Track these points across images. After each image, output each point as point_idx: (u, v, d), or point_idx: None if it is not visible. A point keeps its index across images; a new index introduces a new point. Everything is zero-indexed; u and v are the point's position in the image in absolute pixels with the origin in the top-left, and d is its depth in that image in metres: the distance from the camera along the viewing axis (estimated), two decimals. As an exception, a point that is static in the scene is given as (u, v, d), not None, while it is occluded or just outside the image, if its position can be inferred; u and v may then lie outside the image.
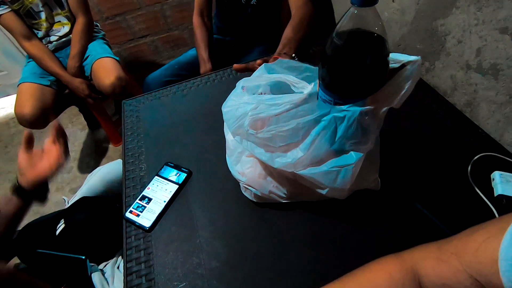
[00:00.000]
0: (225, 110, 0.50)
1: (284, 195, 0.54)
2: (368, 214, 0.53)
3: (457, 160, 0.57)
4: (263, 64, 0.56)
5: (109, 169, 0.93)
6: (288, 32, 0.86)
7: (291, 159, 0.46)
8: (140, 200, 0.60)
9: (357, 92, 0.42)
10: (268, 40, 1.17)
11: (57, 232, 0.77)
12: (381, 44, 0.39)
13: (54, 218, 0.81)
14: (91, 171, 0.97)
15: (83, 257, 0.71)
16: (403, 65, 0.42)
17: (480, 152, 0.57)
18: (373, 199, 0.54)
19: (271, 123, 0.46)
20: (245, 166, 0.55)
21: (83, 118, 1.73)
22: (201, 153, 0.68)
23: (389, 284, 0.37)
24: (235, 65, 0.74)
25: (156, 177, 0.64)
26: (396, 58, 0.43)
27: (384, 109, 0.42)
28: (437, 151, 0.60)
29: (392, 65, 0.43)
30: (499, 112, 0.59)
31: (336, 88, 0.42)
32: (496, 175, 0.53)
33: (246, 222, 0.55)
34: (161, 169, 0.65)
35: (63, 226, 0.77)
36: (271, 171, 0.53)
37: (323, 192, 0.47)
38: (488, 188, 0.53)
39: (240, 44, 1.20)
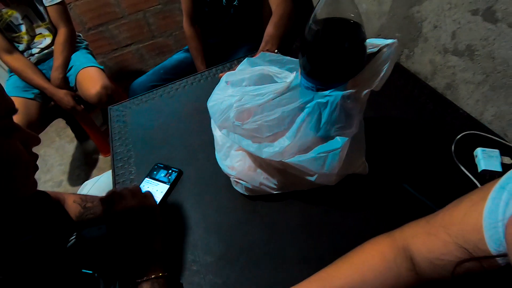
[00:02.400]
0: (210, 104, 0.51)
1: (275, 186, 0.54)
2: (359, 198, 0.54)
3: (441, 140, 0.58)
4: (246, 59, 0.56)
5: (106, 180, 0.91)
6: (269, 29, 0.87)
7: (278, 148, 0.46)
8: (131, 202, 0.60)
9: (338, 77, 0.42)
10: (252, 39, 1.18)
11: (68, 245, 0.73)
12: (357, 28, 0.40)
13: (66, 229, 0.77)
14: (82, 183, 0.96)
15: (91, 272, 0.68)
16: (381, 49, 0.43)
17: (462, 131, 0.58)
18: (362, 183, 0.54)
19: (256, 113, 0.46)
20: (235, 160, 0.55)
21: (70, 131, 1.71)
22: (190, 152, 0.68)
23: (382, 263, 0.38)
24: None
25: (146, 179, 0.64)
26: (374, 42, 0.44)
27: (365, 92, 0.43)
28: (421, 133, 0.61)
29: (370, 50, 0.44)
30: (477, 91, 0.61)
31: (317, 74, 0.43)
32: (479, 152, 0.54)
33: (239, 215, 0.55)
34: (151, 170, 0.65)
35: (74, 240, 0.73)
36: (260, 162, 0.54)
37: (312, 179, 0.48)
38: (472, 165, 0.54)
39: (225, 45, 1.21)
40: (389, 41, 0.42)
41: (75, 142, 1.75)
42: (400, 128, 0.63)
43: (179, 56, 1.29)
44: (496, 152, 0.53)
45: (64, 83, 1.28)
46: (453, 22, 0.60)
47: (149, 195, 0.55)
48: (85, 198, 0.64)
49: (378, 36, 0.83)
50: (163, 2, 1.72)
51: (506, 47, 0.52)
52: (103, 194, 0.83)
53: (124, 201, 0.51)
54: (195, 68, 1.21)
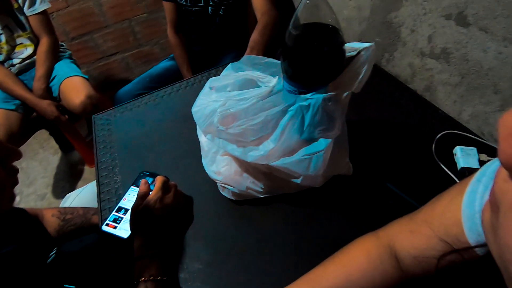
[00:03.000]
0: (194, 110, 0.51)
1: (261, 190, 0.55)
2: (344, 199, 0.55)
3: (421, 140, 0.60)
4: (230, 64, 0.57)
5: (90, 191, 0.89)
6: (254, 36, 0.88)
7: (263, 151, 0.47)
8: (116, 211, 0.59)
9: (319, 80, 0.43)
10: (237, 47, 1.19)
11: (49, 260, 0.71)
12: (335, 33, 0.41)
13: (45, 245, 0.74)
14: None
15: (73, 287, 0.66)
16: (359, 52, 0.45)
17: (442, 131, 0.60)
18: (347, 184, 0.55)
19: (240, 117, 0.46)
20: (221, 165, 0.55)
21: (54, 142, 1.67)
22: (176, 159, 0.67)
23: (367, 261, 0.38)
24: None
25: (132, 187, 0.63)
26: (352, 46, 0.46)
27: (346, 94, 0.44)
28: (403, 134, 0.63)
29: (349, 53, 0.45)
30: (454, 92, 0.63)
31: (298, 78, 0.44)
32: (458, 150, 0.56)
33: (226, 220, 0.55)
34: (136, 178, 0.64)
35: (54, 256, 0.71)
36: (246, 167, 0.54)
37: (298, 181, 0.48)
38: (451, 163, 0.56)
39: (210, 52, 1.22)
40: (366, 44, 0.44)
41: (59, 153, 1.71)
42: (382, 129, 0.65)
43: (165, 64, 1.29)
44: (473, 150, 0.55)
45: (47, 93, 1.25)
46: (429, 27, 0.63)
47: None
48: (64, 210, 0.62)
49: (359, 41, 0.85)
50: (149, 10, 1.72)
51: (478, 49, 0.55)
52: (87, 205, 0.81)
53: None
54: (182, 76, 1.21)
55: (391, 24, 0.72)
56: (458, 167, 0.54)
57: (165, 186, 0.55)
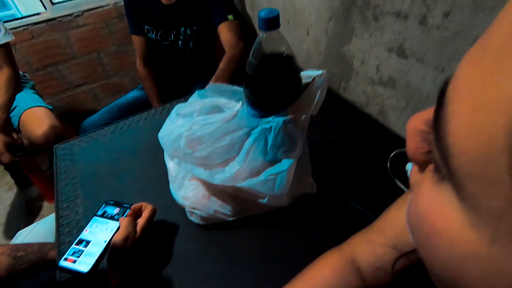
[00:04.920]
0: (161, 135, 0.52)
1: (229, 213, 0.55)
2: (310, 217, 0.57)
3: (377, 159, 0.65)
4: (196, 91, 0.60)
5: (46, 225, 0.83)
6: (221, 66, 0.93)
7: (229, 173, 0.48)
8: (76, 244, 0.55)
9: (278, 104, 0.47)
10: (206, 77, 1.23)
11: None
12: (290, 61, 0.45)
13: None
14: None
15: None
16: (314, 79, 0.49)
17: (395, 150, 0.66)
18: (312, 202, 0.57)
19: (206, 140, 0.48)
20: (188, 189, 0.55)
21: (10, 177, 1.55)
22: (143, 187, 0.66)
23: (332, 275, 0.40)
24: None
25: (94, 217, 0.60)
26: (308, 74, 0.50)
27: (304, 116, 0.48)
28: (361, 154, 0.68)
29: (306, 81, 0.50)
30: (403, 115, 0.70)
31: (260, 103, 0.47)
32: (409, 167, 0.61)
33: (195, 246, 0.54)
34: (100, 208, 0.62)
35: None
36: (214, 190, 0.54)
37: (264, 201, 0.50)
38: (405, 178, 0.61)
39: (179, 83, 1.25)
40: (319, 72, 0.49)
41: (14, 189, 1.58)
42: (342, 150, 0.69)
43: (134, 94, 1.29)
44: (423, 166, 0.61)
45: (7, 125, 1.19)
46: (376, 58, 0.71)
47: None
48: (16, 247, 0.57)
49: (318, 71, 0.93)
50: (118, 43, 1.74)
51: (417, 77, 0.62)
52: (42, 241, 0.75)
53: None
54: (151, 106, 1.21)
55: (344, 56, 0.80)
56: (411, 182, 0.59)
57: (152, 218, 0.53)
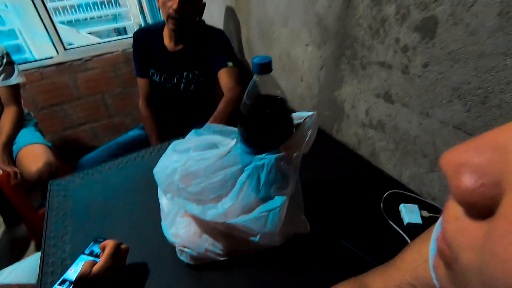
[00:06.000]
0: (156, 170, 0.53)
1: (220, 252, 0.54)
2: (303, 259, 0.55)
3: (371, 199, 0.65)
4: (193, 130, 0.62)
5: (30, 265, 0.79)
6: (219, 107, 0.97)
7: (222, 209, 0.48)
8: (59, 284, 0.53)
9: (271, 143, 0.49)
10: (205, 118, 1.28)
11: None
12: (282, 103, 0.48)
13: None
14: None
15: None
16: (305, 120, 0.52)
17: (387, 191, 0.67)
18: (305, 243, 0.56)
19: (200, 176, 0.49)
20: (180, 226, 0.55)
21: (-1, 214, 1.51)
22: (135, 224, 0.65)
23: None
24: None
25: (82, 255, 0.58)
26: (299, 115, 0.53)
27: (295, 154, 0.50)
28: (354, 194, 0.68)
29: (297, 121, 0.53)
30: (393, 157, 0.72)
31: (253, 141, 0.49)
32: (402, 208, 0.61)
33: (183, 287, 0.52)
34: (88, 246, 0.60)
35: None
36: (205, 227, 0.54)
37: (256, 239, 0.49)
38: (398, 219, 0.60)
39: (179, 123, 1.29)
40: (310, 113, 0.52)
41: (2, 227, 1.53)
42: (336, 190, 0.70)
43: (134, 132, 1.33)
44: (415, 207, 0.61)
45: (8, 159, 1.19)
46: (365, 103, 0.75)
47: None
48: None
49: (312, 114, 0.97)
50: (123, 85, 1.83)
51: (404, 121, 0.66)
52: (24, 281, 0.72)
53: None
54: (150, 145, 1.24)
55: (336, 101, 0.85)
56: (404, 223, 0.59)
57: (117, 251, 0.52)
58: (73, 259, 0.58)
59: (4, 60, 1.21)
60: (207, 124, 0.61)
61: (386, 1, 0.61)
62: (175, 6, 0.98)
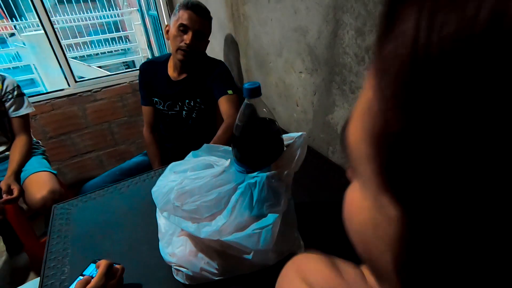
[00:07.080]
0: (154, 190, 0.55)
1: (215, 271, 0.54)
2: (298, 278, 0.55)
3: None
4: (191, 152, 0.65)
5: None
6: (218, 133, 1.01)
7: (216, 226, 0.50)
8: (56, 306, 0.53)
9: (262, 162, 0.52)
10: (206, 143, 1.32)
11: None
12: (271, 124, 0.52)
13: None
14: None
15: None
16: (294, 140, 0.55)
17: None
18: (300, 262, 0.57)
19: (195, 194, 0.51)
20: (176, 246, 0.56)
21: (1, 242, 1.51)
22: (133, 246, 0.66)
23: None
24: None
25: (79, 277, 0.59)
26: (289, 136, 0.56)
27: (286, 172, 0.52)
28: (349, 214, 0.69)
29: (288, 142, 0.56)
30: (387, 176, 0.74)
31: (246, 160, 0.52)
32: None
33: (178, 308, 0.52)
34: (86, 268, 0.61)
35: None
36: (201, 246, 0.55)
37: (249, 257, 0.50)
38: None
39: (182, 149, 1.32)
40: (299, 134, 0.55)
41: (4, 256, 1.52)
42: (331, 210, 0.71)
43: (137, 159, 1.36)
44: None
45: (18, 186, 1.23)
46: (356, 125, 0.78)
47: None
48: None
49: (308, 138, 1.01)
50: (129, 114, 1.91)
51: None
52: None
53: None
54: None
55: (329, 124, 0.88)
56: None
57: (110, 271, 0.53)
58: (71, 281, 0.59)
59: (15, 93, 1.29)
60: (205, 144, 0.64)
61: (368, 32, 0.66)
62: (188, 41, 1.07)
